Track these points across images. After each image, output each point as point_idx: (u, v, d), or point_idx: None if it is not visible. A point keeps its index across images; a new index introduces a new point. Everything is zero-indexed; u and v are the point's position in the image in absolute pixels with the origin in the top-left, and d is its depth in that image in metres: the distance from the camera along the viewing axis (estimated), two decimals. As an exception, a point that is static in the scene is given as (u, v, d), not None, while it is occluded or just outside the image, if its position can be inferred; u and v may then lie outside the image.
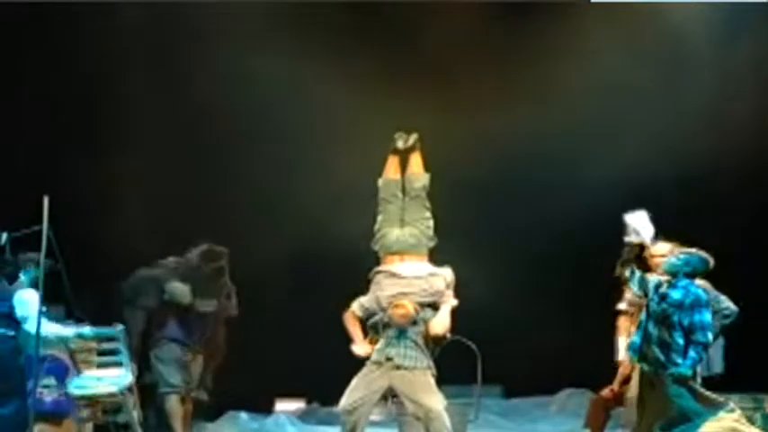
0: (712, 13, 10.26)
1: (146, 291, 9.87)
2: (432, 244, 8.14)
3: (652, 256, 7.93)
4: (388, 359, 7.77)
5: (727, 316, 7.84)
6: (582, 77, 10.33)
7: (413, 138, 8.30)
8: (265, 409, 10.84)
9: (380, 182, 8.27)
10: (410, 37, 10.41)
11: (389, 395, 7.85)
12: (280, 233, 10.36)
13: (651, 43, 10.37)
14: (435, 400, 7.69)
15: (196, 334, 9.78)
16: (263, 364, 10.52)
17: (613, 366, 8.34)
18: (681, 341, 7.45)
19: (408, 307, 7.79)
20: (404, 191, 8.25)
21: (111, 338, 8.67)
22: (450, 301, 7.99)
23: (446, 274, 8.03)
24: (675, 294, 7.52)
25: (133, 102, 10.47)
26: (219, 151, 10.59)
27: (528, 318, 9.25)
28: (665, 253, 7.74)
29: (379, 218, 8.19)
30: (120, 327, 8.79)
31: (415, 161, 8.32)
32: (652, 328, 7.53)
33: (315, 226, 9.55)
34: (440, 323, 7.89)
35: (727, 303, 7.87)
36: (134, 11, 10.23)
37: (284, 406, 10.95)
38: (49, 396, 8.44)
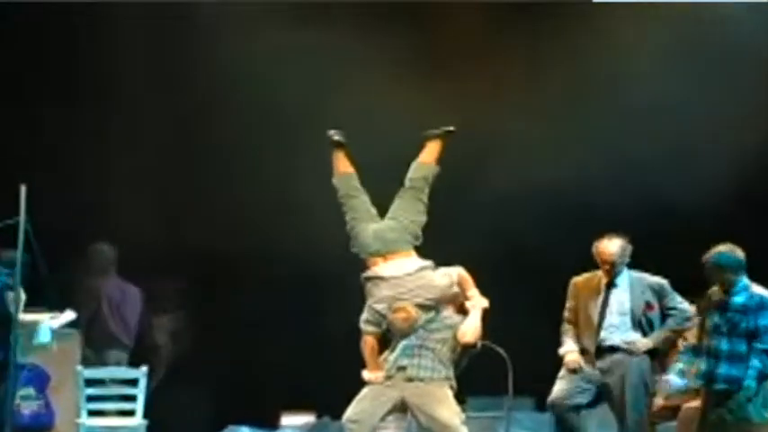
0: (717, 13, 10.09)
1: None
2: (417, 243, 7.68)
3: (600, 254, 7.82)
4: (401, 369, 7.44)
5: (688, 318, 7.76)
6: (582, 78, 10.24)
7: (444, 129, 7.88)
8: (270, 423, 10.44)
9: (334, 181, 7.87)
10: (409, 37, 10.25)
11: (409, 408, 7.51)
12: (288, 238, 10.13)
13: (654, 44, 10.20)
14: (452, 414, 7.32)
15: None
16: (268, 374, 10.31)
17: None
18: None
19: (410, 309, 7.40)
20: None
21: (130, 381, 8.76)
22: (479, 304, 7.52)
23: (452, 272, 7.54)
24: (738, 299, 7.36)
25: (120, 96, 10.37)
26: (219, 150, 10.47)
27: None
28: (613, 251, 7.76)
29: (347, 217, 7.76)
30: (144, 368, 8.72)
31: (430, 149, 7.87)
32: (720, 344, 7.28)
33: (323, 229, 9.13)
34: (471, 330, 7.49)
35: (685, 305, 7.80)
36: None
37: (291, 420, 10.54)
38: (27, 408, 8.37)
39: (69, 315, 8.11)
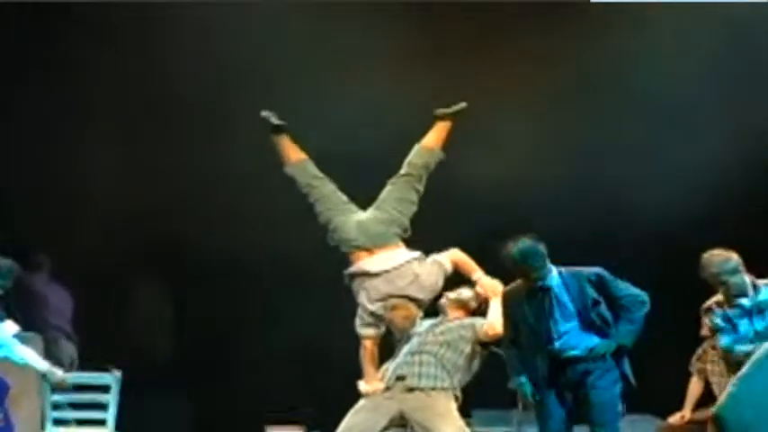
0: (719, 13, 9.99)
1: None
2: (405, 235, 7.35)
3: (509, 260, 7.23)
4: (400, 378, 7.13)
5: (643, 302, 7.12)
6: (579, 78, 10.22)
7: (457, 107, 7.56)
8: (255, 438, 10.60)
9: (288, 170, 7.50)
10: (409, 36, 10.22)
11: (409, 422, 7.22)
12: (277, 238, 10.02)
13: (655, 45, 10.20)
14: (455, 430, 6.99)
15: None
16: (253, 383, 10.11)
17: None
18: None
19: (409, 306, 7.12)
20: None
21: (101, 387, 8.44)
22: (495, 289, 7.19)
23: (443, 259, 7.19)
24: (763, 296, 7.14)
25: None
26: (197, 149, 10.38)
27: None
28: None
29: (319, 209, 7.41)
30: (117, 373, 8.49)
31: (437, 132, 7.56)
32: None
33: (314, 230, 8.83)
34: (498, 322, 7.16)
35: (634, 289, 7.15)
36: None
37: (278, 434, 10.62)
38: (-16, 422, 8.04)
39: (11, 327, 7.75)
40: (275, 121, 7.44)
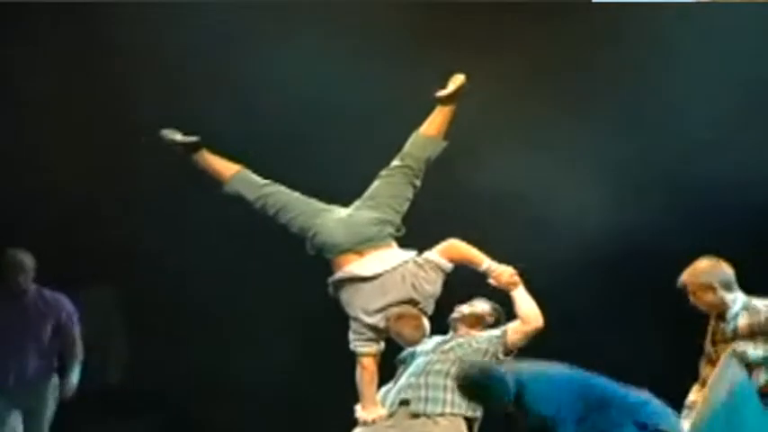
0: (722, 13, 9.93)
1: None
2: (399, 234, 6.76)
3: None
4: (403, 403, 6.67)
5: None
6: (581, 80, 10.17)
7: (457, 80, 6.94)
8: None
9: (228, 188, 6.81)
10: (408, 37, 10.16)
11: None
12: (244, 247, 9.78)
13: (655, 47, 10.18)
14: None
15: None
16: (231, 409, 9.77)
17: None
18: None
19: (418, 314, 6.53)
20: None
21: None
22: (512, 279, 6.60)
23: (439, 260, 6.57)
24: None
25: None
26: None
27: (594, 345, 8.64)
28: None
29: (286, 218, 6.72)
30: None
31: (440, 117, 6.91)
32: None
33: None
34: (532, 311, 6.67)
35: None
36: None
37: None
38: None
39: None
40: (186, 139, 6.83)
